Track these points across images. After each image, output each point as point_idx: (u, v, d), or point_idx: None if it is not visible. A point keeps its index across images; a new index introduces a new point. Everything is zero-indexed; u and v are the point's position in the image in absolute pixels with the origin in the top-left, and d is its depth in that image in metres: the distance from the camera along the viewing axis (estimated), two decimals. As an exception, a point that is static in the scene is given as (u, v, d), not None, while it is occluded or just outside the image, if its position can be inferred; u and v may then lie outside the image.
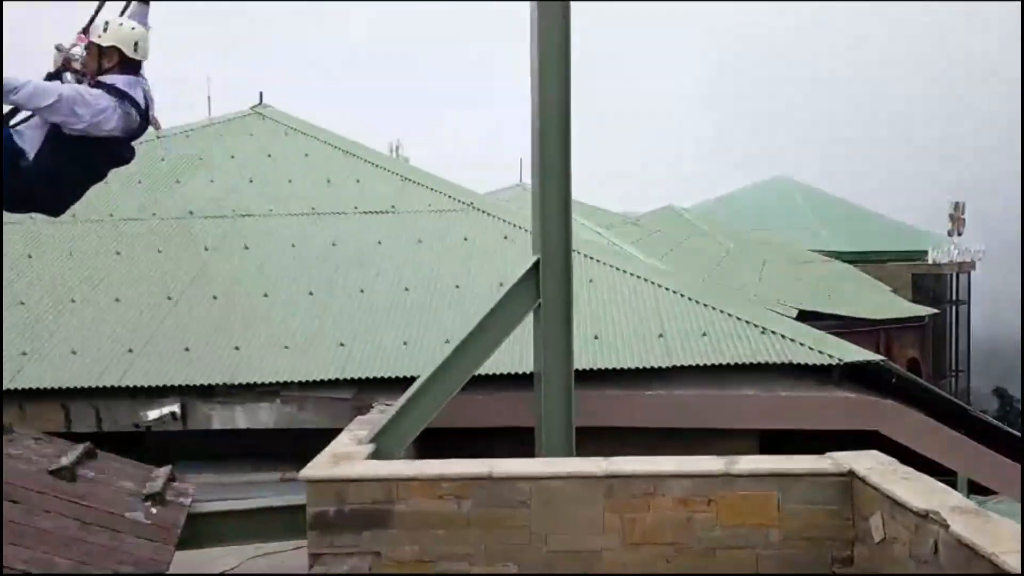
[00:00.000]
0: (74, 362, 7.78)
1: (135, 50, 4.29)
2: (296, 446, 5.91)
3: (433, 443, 6.09)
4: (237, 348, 7.93)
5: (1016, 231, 44.76)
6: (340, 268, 9.24)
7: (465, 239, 9.69)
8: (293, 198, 10.64)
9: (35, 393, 7.52)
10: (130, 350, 7.88)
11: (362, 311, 8.50)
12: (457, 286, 8.78)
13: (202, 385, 7.54)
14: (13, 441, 5.03)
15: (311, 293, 8.82)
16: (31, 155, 4.12)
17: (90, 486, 4.84)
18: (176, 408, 7.40)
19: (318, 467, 4.79)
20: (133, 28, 4.31)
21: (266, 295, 8.81)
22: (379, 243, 9.66)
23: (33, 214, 7.05)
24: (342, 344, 7.95)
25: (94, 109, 4.06)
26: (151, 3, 4.53)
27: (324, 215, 10.22)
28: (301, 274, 9.13)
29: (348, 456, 5.00)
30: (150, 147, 11.82)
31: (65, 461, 4.88)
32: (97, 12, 4.33)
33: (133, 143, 4.45)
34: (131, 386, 7.47)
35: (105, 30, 4.26)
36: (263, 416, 7.62)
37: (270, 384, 7.61)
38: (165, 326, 8.27)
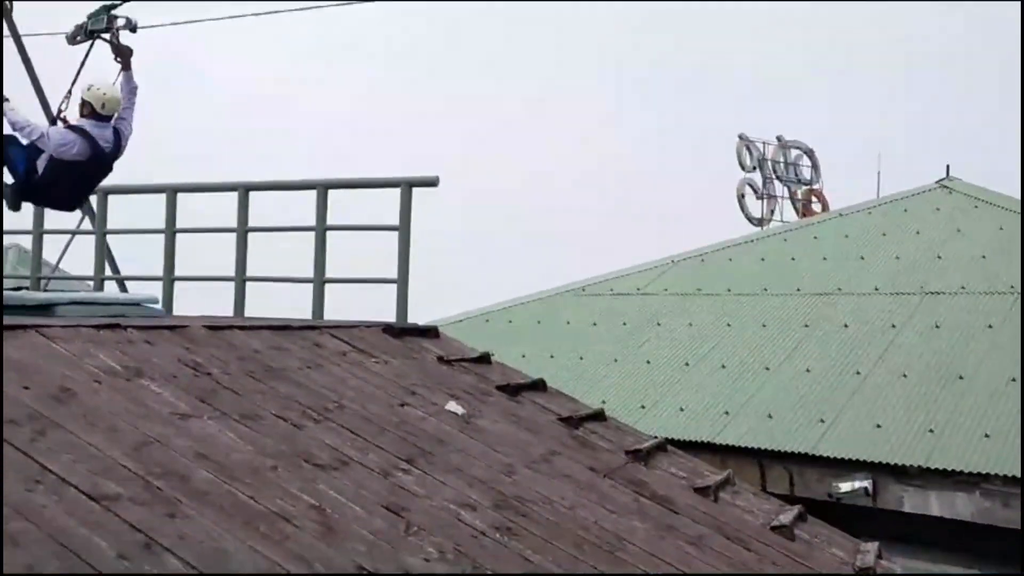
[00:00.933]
0: (770, 426, 8.38)
1: (103, 107, 6.13)
2: (997, 544, 5.42)
3: None
4: (931, 431, 7.63)
5: None
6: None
7: None
8: (986, 275, 9.91)
9: (734, 450, 8.30)
10: (821, 420, 8.19)
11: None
12: None
13: (894, 464, 7.42)
14: (738, 493, 5.60)
15: (1013, 379, 8.04)
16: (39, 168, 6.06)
17: (806, 548, 5.13)
18: (868, 484, 7.41)
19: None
20: (104, 92, 6.16)
21: (960, 377, 8.32)
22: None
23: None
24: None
25: (56, 146, 5.96)
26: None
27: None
28: (1002, 357, 8.39)
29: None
30: (837, 223, 12.26)
31: (784, 520, 5.26)
32: (77, 76, 6.41)
33: None
34: (823, 456, 7.74)
35: (88, 90, 6.18)
36: (959, 506, 7.15)
37: (968, 473, 7.12)
38: (854, 400, 8.39)
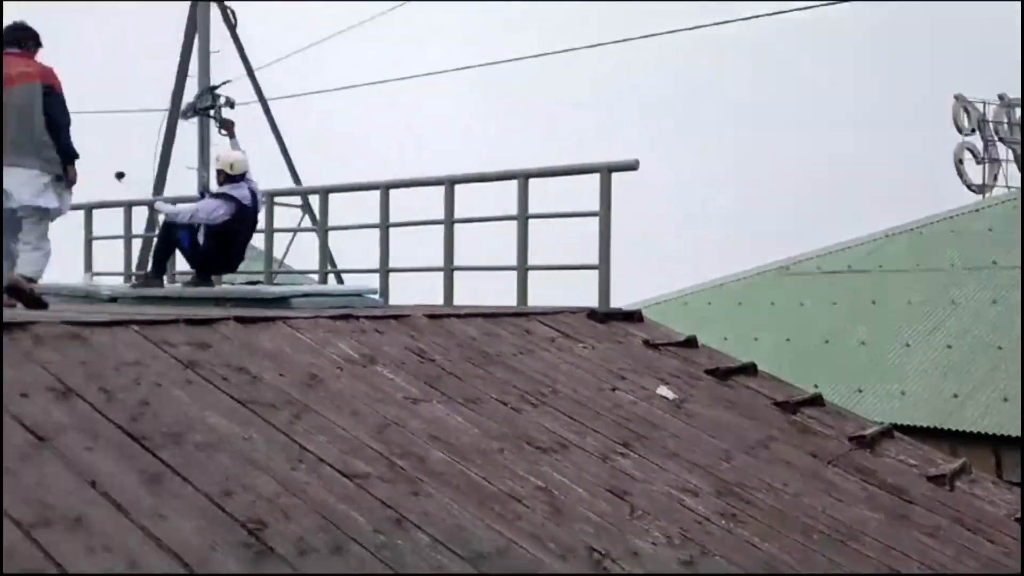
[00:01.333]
0: (1006, 409, 7.72)
1: (231, 168, 6.92)
2: None
3: None
4: None
5: None
6: None
7: None
8: None
9: (966, 436, 7.71)
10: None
11: None
12: None
13: None
14: (976, 482, 5.19)
15: None
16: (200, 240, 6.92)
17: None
18: None
19: None
20: (230, 158, 7.04)
21: None
22: None
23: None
24: None
25: (208, 214, 6.78)
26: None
27: None
28: None
29: None
30: None
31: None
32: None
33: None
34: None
35: (217, 160, 7.23)
36: None
37: None
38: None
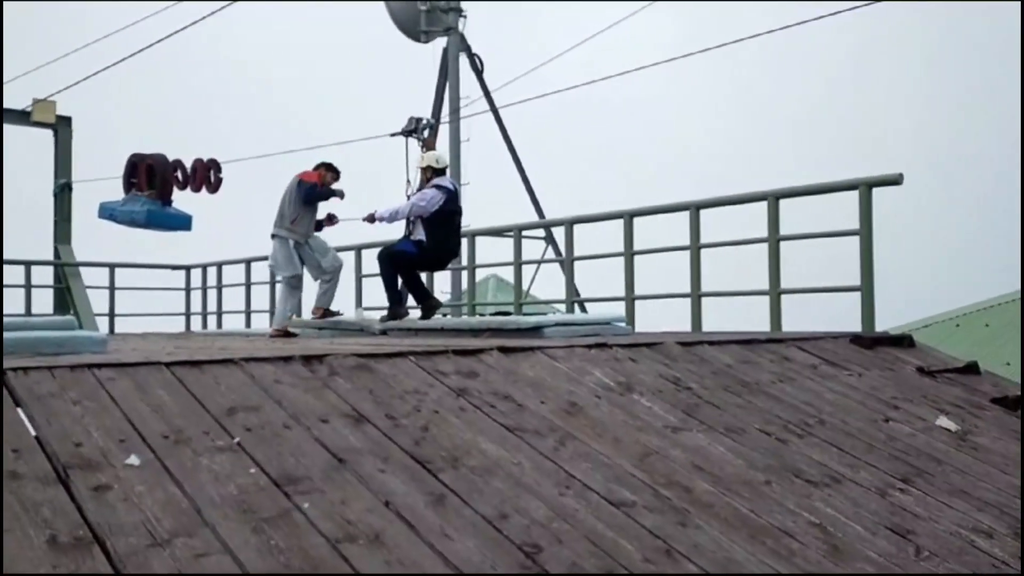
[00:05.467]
0: None
1: (437, 162, 7.68)
2: None
3: None
4: None
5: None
6: None
7: None
8: None
9: None
10: None
11: None
12: None
13: None
14: None
15: None
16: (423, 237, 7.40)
17: None
18: None
19: None
20: (434, 153, 8.01)
21: None
22: None
23: None
24: None
25: (428, 202, 7.30)
26: None
27: None
28: None
29: None
30: None
31: None
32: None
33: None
34: None
35: (422, 160, 7.90)
36: None
37: None
38: None
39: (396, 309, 7.47)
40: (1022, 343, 7.40)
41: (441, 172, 7.65)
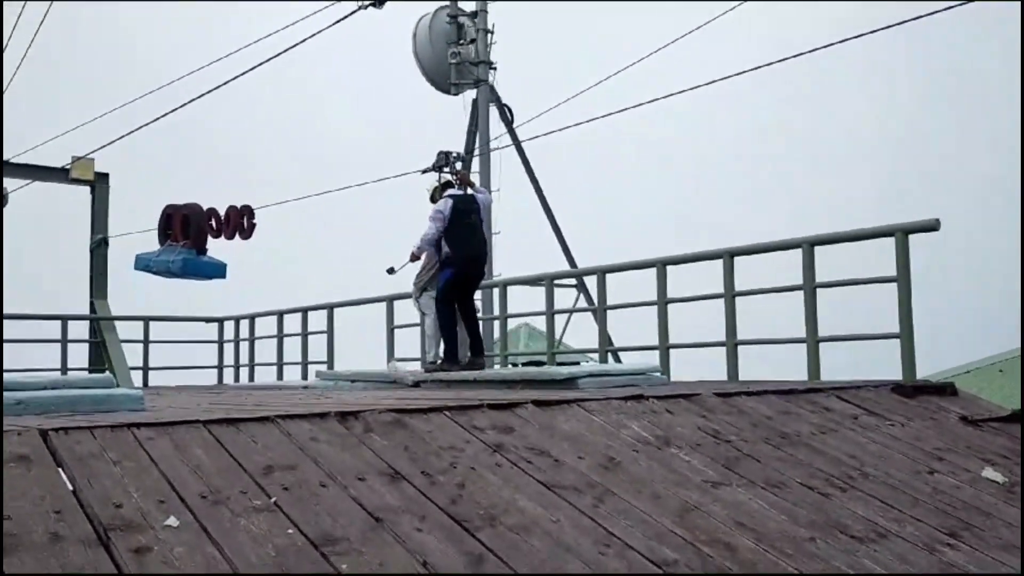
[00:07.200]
0: None
1: (455, 177, 8.39)
2: None
3: None
4: None
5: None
6: None
7: None
8: None
9: None
10: None
11: None
12: None
13: None
14: None
15: None
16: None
17: None
18: None
19: None
20: (452, 173, 9.02)
21: None
22: None
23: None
24: None
25: (438, 212, 7.42)
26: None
27: None
28: None
29: None
30: None
31: None
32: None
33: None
34: None
35: (440, 179, 8.87)
36: None
37: None
38: None
39: (450, 364, 7.43)
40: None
41: (450, 185, 8.15)
